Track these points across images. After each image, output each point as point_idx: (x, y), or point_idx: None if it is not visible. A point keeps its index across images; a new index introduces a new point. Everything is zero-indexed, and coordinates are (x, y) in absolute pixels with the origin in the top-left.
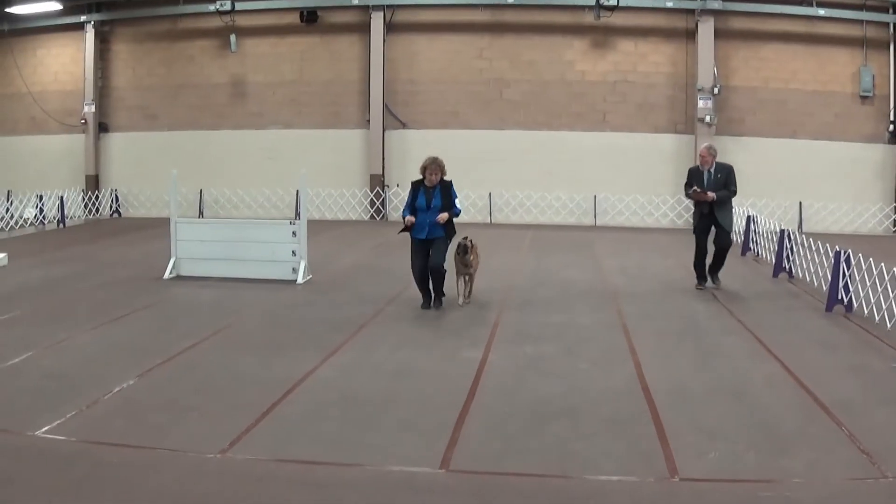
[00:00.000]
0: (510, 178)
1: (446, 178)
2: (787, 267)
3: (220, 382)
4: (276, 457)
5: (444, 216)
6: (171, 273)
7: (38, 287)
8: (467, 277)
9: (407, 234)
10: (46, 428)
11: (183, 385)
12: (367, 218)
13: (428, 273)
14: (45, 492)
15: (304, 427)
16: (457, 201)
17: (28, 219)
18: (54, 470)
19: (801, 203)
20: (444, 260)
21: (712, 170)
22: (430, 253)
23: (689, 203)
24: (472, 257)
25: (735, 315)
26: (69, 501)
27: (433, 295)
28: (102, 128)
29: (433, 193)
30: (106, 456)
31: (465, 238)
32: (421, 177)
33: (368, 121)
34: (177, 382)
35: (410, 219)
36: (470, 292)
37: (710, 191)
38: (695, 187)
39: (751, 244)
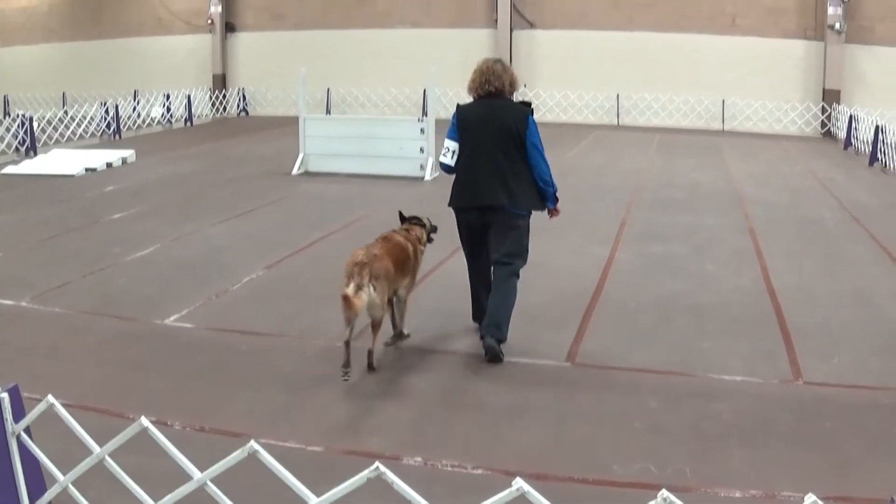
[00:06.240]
0: (638, 80)
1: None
2: None
3: None
4: (405, 345)
5: None
6: (299, 169)
7: (166, 182)
8: None
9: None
10: (175, 316)
11: (311, 276)
12: None
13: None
14: (173, 376)
15: (432, 317)
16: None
17: (155, 118)
18: (182, 355)
19: None
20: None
21: None
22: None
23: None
24: None
25: (862, 224)
26: (197, 385)
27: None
28: (229, 27)
29: None
30: (234, 342)
31: None
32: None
33: (496, 20)
34: (305, 273)
35: None
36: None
37: None
38: None
39: (878, 155)
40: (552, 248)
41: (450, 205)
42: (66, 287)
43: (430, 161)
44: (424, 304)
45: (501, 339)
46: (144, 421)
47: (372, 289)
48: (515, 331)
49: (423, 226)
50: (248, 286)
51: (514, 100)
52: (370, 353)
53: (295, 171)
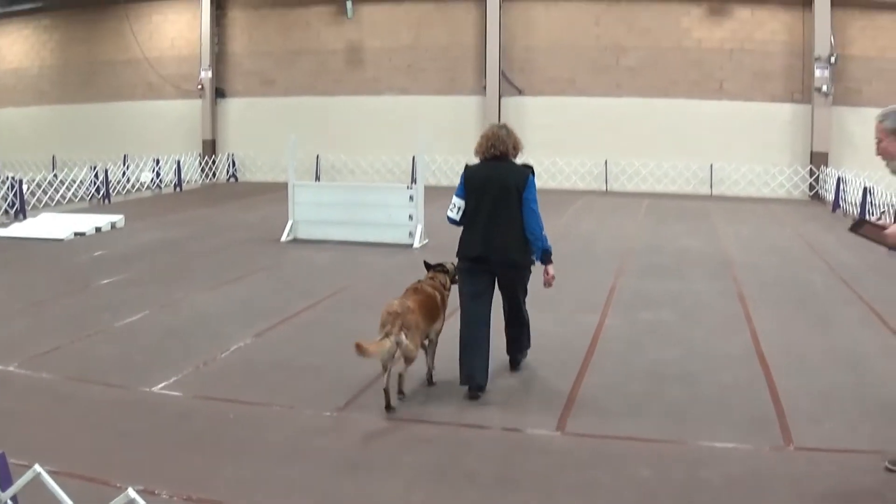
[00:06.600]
0: (626, 145)
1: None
2: None
3: (337, 343)
4: (391, 416)
5: None
6: (288, 236)
7: (154, 248)
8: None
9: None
10: (162, 385)
11: (300, 345)
12: None
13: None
14: (161, 444)
15: (421, 386)
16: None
17: (144, 182)
18: (170, 424)
19: None
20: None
21: None
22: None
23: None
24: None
25: (851, 286)
26: (185, 454)
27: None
28: (219, 93)
29: None
30: (222, 411)
31: None
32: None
33: (485, 87)
34: (294, 342)
35: None
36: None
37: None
38: (873, 217)
39: (867, 216)
40: (542, 315)
41: (457, 254)
42: (54, 353)
43: (419, 228)
44: (416, 373)
45: (526, 347)
46: (132, 492)
47: (404, 336)
48: (505, 400)
49: (447, 271)
50: (237, 354)
51: (517, 161)
52: (400, 376)
53: (284, 237)
